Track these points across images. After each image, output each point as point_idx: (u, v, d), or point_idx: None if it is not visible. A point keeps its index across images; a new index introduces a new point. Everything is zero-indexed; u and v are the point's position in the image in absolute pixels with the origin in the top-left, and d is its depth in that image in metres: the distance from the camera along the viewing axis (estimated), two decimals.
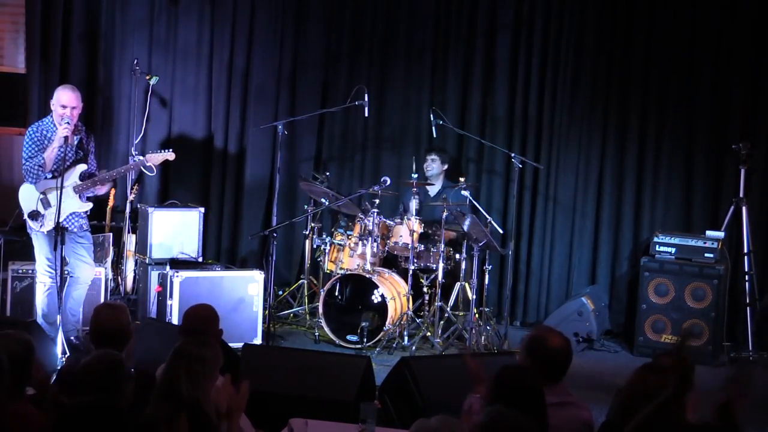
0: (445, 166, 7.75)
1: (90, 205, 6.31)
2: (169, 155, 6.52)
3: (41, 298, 6.08)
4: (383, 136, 8.42)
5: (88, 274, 6.24)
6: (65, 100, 6.05)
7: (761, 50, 7.53)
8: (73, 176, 6.13)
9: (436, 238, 7.03)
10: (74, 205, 6.14)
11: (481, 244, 6.88)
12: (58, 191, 5.75)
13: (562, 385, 3.72)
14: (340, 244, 7.30)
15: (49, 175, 6.07)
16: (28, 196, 6.10)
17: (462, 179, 7.54)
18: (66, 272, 6.09)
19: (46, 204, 6.05)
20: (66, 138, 5.91)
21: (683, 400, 3.47)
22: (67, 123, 5.95)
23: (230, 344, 5.24)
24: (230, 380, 3.54)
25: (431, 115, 7.56)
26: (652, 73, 7.81)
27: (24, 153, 6.10)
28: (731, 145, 7.29)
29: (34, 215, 6.04)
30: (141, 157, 6.51)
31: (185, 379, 3.29)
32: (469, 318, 6.88)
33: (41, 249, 6.06)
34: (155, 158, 6.47)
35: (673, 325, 7.14)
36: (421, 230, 7.22)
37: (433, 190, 7.74)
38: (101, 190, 6.35)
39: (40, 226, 6.03)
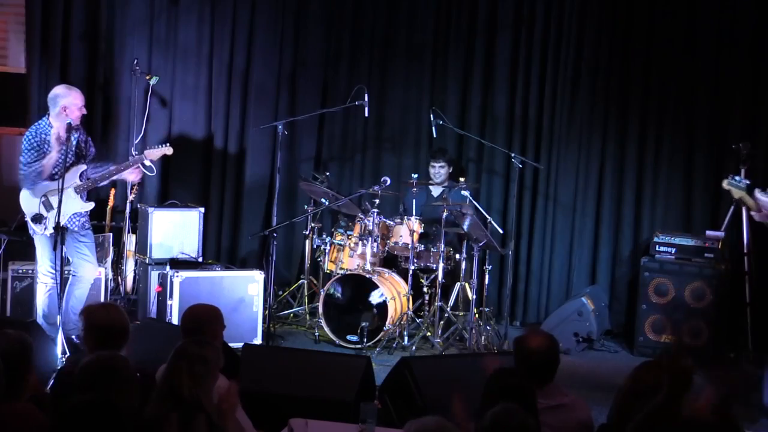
0: (450, 169, 7.77)
1: (92, 204, 6.32)
2: (167, 149, 6.51)
3: (42, 299, 6.08)
4: (383, 136, 8.42)
5: (91, 272, 6.26)
6: (81, 101, 6.09)
7: (761, 50, 7.53)
8: (72, 177, 6.12)
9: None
10: (76, 206, 6.15)
11: (481, 244, 6.88)
12: (60, 193, 5.75)
13: (553, 386, 3.70)
14: (340, 244, 7.30)
15: (57, 176, 6.04)
16: (29, 200, 6.09)
17: (462, 179, 7.55)
18: (68, 272, 6.11)
19: (48, 206, 6.05)
20: (67, 138, 5.93)
21: (681, 400, 3.47)
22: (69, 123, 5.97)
23: (230, 344, 5.23)
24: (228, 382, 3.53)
25: (431, 115, 7.56)
26: (652, 73, 7.81)
27: (22, 158, 6.07)
28: (731, 145, 7.29)
29: (38, 218, 6.04)
30: (139, 155, 6.50)
31: (187, 380, 3.28)
32: (469, 318, 6.88)
33: (44, 251, 6.06)
34: (153, 153, 6.46)
35: (673, 325, 7.14)
36: (421, 230, 7.23)
37: (436, 191, 7.74)
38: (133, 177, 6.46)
39: (44, 229, 6.02)
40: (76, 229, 6.15)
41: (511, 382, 3.39)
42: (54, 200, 5.96)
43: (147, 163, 6.49)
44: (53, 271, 6.00)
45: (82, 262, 6.16)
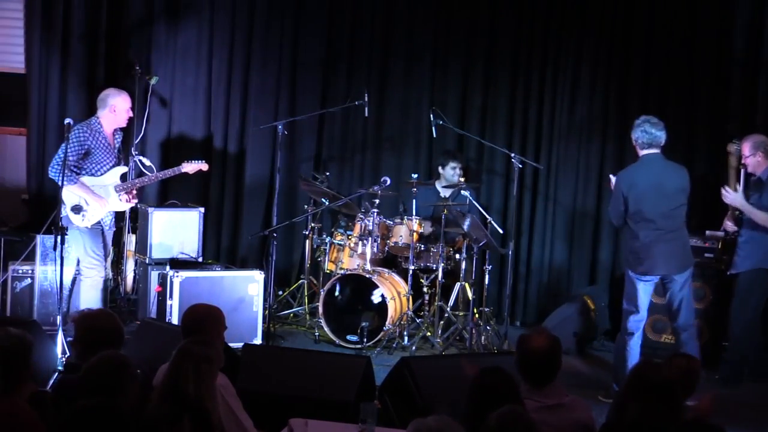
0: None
1: (129, 205, 6.51)
2: (203, 165, 6.80)
3: (92, 294, 6.11)
4: (383, 136, 8.42)
5: (98, 273, 6.34)
6: (129, 104, 6.41)
7: (760, 50, 7.54)
8: (113, 176, 6.31)
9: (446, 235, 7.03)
10: (116, 205, 6.35)
11: (481, 244, 6.88)
12: (60, 192, 5.77)
13: (553, 386, 3.70)
14: (340, 244, 7.30)
15: (99, 174, 6.26)
16: (74, 191, 6.15)
17: (462, 179, 7.55)
18: (76, 271, 6.21)
19: (87, 200, 6.18)
20: (66, 137, 5.96)
21: (684, 401, 3.48)
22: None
23: (230, 344, 5.23)
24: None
25: (431, 115, 7.55)
26: (652, 73, 7.82)
27: (63, 152, 6.10)
28: None
29: (77, 209, 6.13)
30: (177, 166, 6.75)
31: (193, 379, 3.28)
32: (469, 318, 6.88)
33: (85, 244, 6.18)
34: (191, 167, 6.73)
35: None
36: (422, 230, 7.23)
37: (444, 191, 7.70)
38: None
39: (82, 220, 6.13)
40: (107, 229, 6.32)
41: (494, 381, 3.38)
42: (100, 192, 6.17)
43: (147, 163, 6.56)
44: (97, 264, 6.18)
45: (93, 260, 6.20)
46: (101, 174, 6.28)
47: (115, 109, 6.31)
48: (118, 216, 7.52)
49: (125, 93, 6.49)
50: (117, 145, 6.44)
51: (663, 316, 7.14)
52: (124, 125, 6.48)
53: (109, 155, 6.32)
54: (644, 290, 5.84)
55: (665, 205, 5.77)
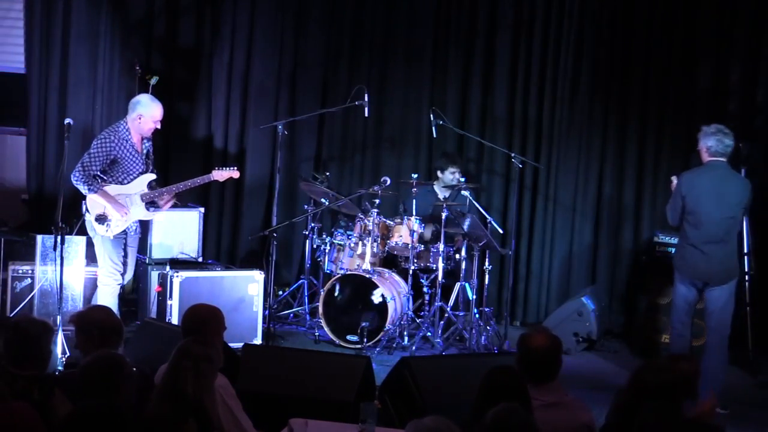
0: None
1: (155, 214, 6.44)
2: (234, 173, 6.63)
3: (110, 301, 6.05)
4: (383, 136, 8.41)
5: (128, 274, 6.38)
6: (159, 115, 6.18)
7: (761, 50, 7.54)
8: (140, 184, 6.21)
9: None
10: (140, 214, 6.24)
11: (481, 244, 6.88)
12: (60, 196, 5.77)
13: (554, 385, 3.72)
14: (340, 244, 7.30)
15: (126, 182, 6.17)
16: (96, 199, 6.10)
17: (462, 179, 7.54)
18: (94, 273, 6.27)
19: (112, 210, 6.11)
20: (66, 137, 5.94)
21: (683, 403, 3.48)
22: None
23: (230, 344, 5.23)
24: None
25: (431, 115, 7.55)
26: (651, 73, 7.82)
27: (85, 158, 6.05)
28: None
29: (102, 219, 6.07)
30: (207, 174, 6.58)
31: (192, 379, 3.28)
32: (469, 318, 6.88)
33: (106, 252, 6.12)
34: (221, 174, 6.57)
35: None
36: (421, 229, 7.23)
37: (443, 193, 7.68)
38: (164, 204, 6.40)
39: (107, 230, 6.07)
40: (132, 234, 6.26)
41: (504, 380, 3.40)
42: (118, 202, 6.08)
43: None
44: (115, 272, 6.12)
45: (110, 269, 6.19)
46: (128, 182, 6.15)
47: (140, 118, 6.11)
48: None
49: (157, 103, 6.23)
50: (145, 151, 6.27)
51: (663, 315, 7.15)
52: (147, 136, 6.25)
53: (136, 163, 6.16)
54: (683, 291, 5.97)
55: (720, 212, 5.82)
